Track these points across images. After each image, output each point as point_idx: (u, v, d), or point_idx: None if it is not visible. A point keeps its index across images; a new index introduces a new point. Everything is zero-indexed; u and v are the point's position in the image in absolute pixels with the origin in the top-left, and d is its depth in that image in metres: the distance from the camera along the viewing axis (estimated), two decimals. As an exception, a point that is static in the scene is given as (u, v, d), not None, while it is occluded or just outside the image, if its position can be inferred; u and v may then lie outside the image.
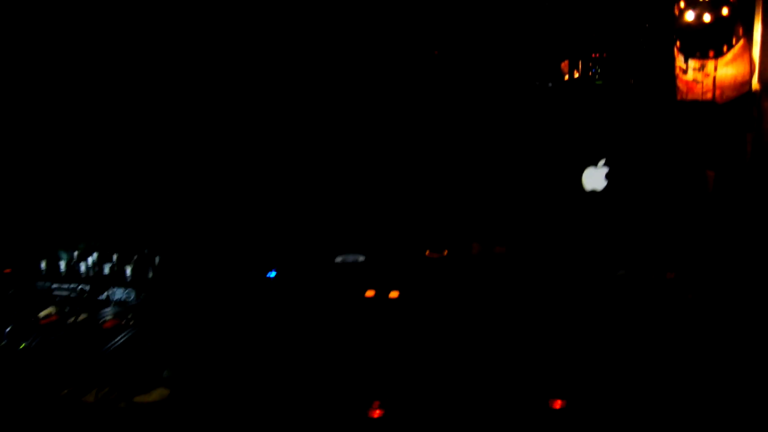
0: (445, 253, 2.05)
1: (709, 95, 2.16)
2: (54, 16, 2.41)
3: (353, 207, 2.29)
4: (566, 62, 2.37)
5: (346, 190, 2.34)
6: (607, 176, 1.86)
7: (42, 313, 1.87)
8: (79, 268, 1.98)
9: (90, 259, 2.04)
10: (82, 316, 1.80)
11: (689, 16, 2.08)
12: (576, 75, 2.36)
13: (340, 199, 2.33)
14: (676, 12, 2.13)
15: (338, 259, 2.01)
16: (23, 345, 1.73)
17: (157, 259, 2.01)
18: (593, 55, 2.35)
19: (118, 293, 1.86)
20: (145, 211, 2.33)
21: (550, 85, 2.34)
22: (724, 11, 2.07)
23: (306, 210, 2.30)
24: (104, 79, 2.46)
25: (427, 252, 2.06)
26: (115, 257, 2.05)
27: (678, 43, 2.16)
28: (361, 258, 2.01)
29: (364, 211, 2.28)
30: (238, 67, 2.45)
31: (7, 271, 2.10)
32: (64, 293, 1.93)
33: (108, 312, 1.79)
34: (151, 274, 1.89)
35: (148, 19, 2.43)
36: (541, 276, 1.78)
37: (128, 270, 1.90)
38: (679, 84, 2.20)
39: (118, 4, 2.41)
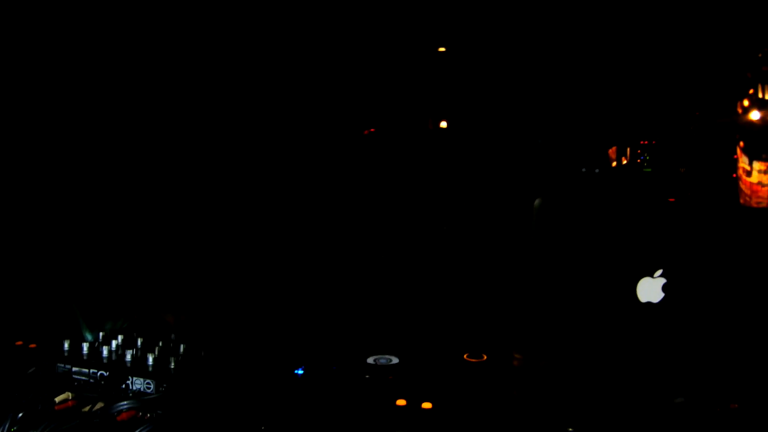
0: (485, 357, 1.92)
1: (776, 200, 2.03)
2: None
3: (390, 302, 2.19)
4: (614, 148, 2.29)
5: (385, 284, 2.25)
6: (665, 288, 1.72)
7: (58, 398, 1.78)
8: (101, 351, 1.91)
9: (114, 343, 1.96)
10: (98, 405, 1.71)
11: (754, 115, 1.98)
12: (624, 162, 2.26)
13: (378, 292, 2.23)
14: (739, 110, 2.03)
15: (370, 360, 1.89)
16: (33, 434, 1.65)
17: (181, 348, 1.92)
18: (642, 141, 2.27)
19: (138, 383, 1.77)
20: (175, 294, 2.26)
21: (597, 171, 2.25)
22: (793, 111, 1.96)
23: (341, 303, 2.20)
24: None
25: (466, 356, 1.94)
26: (139, 342, 1.98)
27: (741, 144, 2.05)
28: (395, 360, 1.90)
29: (401, 307, 2.18)
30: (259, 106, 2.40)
31: (32, 346, 2.05)
32: (83, 378, 1.85)
33: (125, 403, 1.69)
34: (173, 365, 1.79)
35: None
36: (589, 398, 1.63)
37: (150, 358, 1.81)
38: (742, 186, 2.09)
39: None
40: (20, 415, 1.68)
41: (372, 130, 2.40)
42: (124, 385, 1.79)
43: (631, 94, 2.31)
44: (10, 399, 1.77)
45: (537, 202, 1.81)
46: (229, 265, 2.28)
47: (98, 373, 1.83)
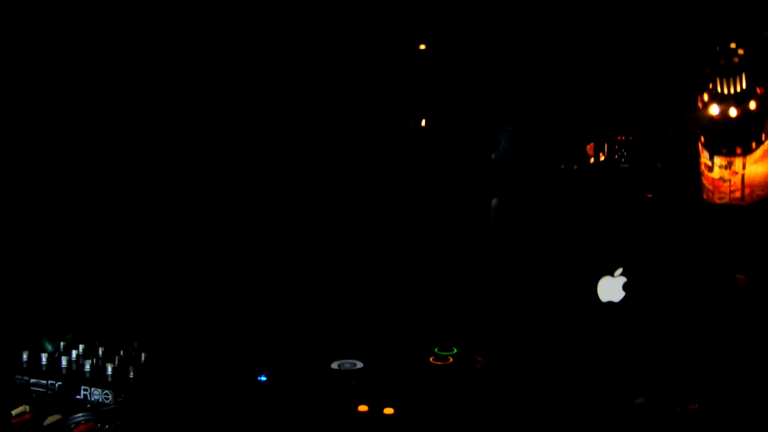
0: (450, 360, 1.91)
1: (737, 194, 2.03)
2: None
3: (356, 305, 2.17)
4: (592, 144, 2.28)
5: (351, 287, 2.22)
6: (625, 287, 1.71)
7: (15, 411, 1.74)
8: (61, 361, 1.87)
9: (74, 353, 1.93)
10: (54, 418, 1.67)
11: (714, 110, 1.97)
12: (601, 158, 2.26)
13: (343, 296, 2.21)
14: (700, 105, 2.02)
15: (334, 365, 1.87)
16: (-14, 449, 1.61)
17: (142, 357, 1.89)
18: (619, 137, 2.26)
19: (96, 394, 1.74)
20: (138, 300, 2.23)
21: (575, 167, 2.24)
22: (752, 105, 1.96)
23: (305, 307, 2.18)
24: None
25: (431, 359, 1.92)
26: (101, 351, 1.94)
27: (702, 139, 2.04)
28: (360, 364, 1.88)
29: (367, 310, 2.16)
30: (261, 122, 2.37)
31: (-8, 357, 2.00)
32: (41, 390, 1.81)
33: (81, 416, 1.66)
34: (132, 375, 1.76)
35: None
36: (550, 398, 1.62)
37: (109, 368, 1.78)
38: (705, 182, 2.08)
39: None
40: (-27, 429, 1.64)
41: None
42: (81, 396, 1.75)
43: (607, 89, 2.30)
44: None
45: (494, 201, 1.79)
46: (189, 272, 2.25)
47: (57, 384, 1.79)
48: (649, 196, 2.17)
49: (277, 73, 2.41)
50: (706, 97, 1.98)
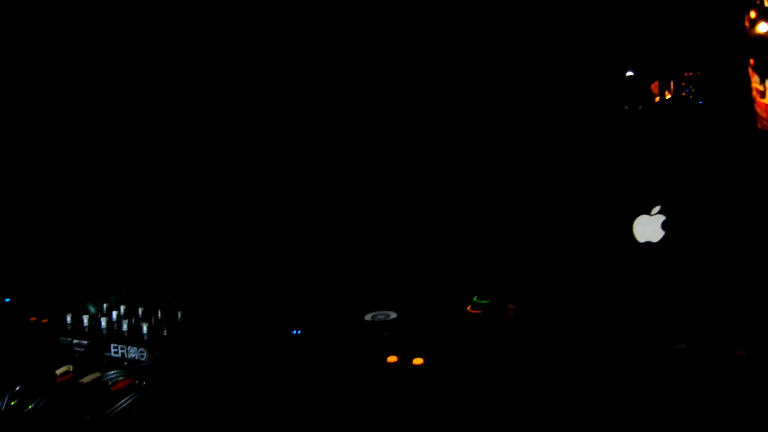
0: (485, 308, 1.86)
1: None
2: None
3: (391, 255, 2.13)
4: (656, 83, 2.14)
5: (386, 237, 2.18)
6: (665, 226, 1.61)
7: (59, 371, 1.79)
8: (101, 323, 1.91)
9: (114, 313, 1.97)
10: (93, 376, 1.71)
11: (762, 28, 1.81)
12: (668, 96, 2.12)
13: (378, 246, 2.17)
14: (747, 23, 1.86)
15: (368, 317, 1.85)
16: (31, 406, 1.66)
17: (179, 315, 1.91)
18: (686, 73, 2.11)
19: (132, 352, 1.77)
20: (176, 262, 2.25)
21: (640, 108, 2.11)
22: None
23: (337, 258, 2.15)
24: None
25: (468, 308, 1.87)
26: (140, 311, 1.98)
27: (752, 61, 1.88)
28: (393, 315, 1.85)
29: (402, 260, 2.12)
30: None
31: (45, 321, 2.07)
32: (82, 350, 1.86)
33: (116, 373, 1.69)
34: (166, 332, 1.78)
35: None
36: (587, 345, 1.55)
37: (145, 327, 1.81)
38: (758, 109, 1.92)
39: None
40: (17, 387, 1.69)
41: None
42: (120, 354, 1.79)
43: (670, 20, 2.14)
44: (13, 373, 1.79)
45: None
46: (223, 226, 2.26)
47: (95, 343, 1.83)
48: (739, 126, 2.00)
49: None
50: (753, 14, 1.81)
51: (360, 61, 2.29)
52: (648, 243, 1.61)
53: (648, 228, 1.61)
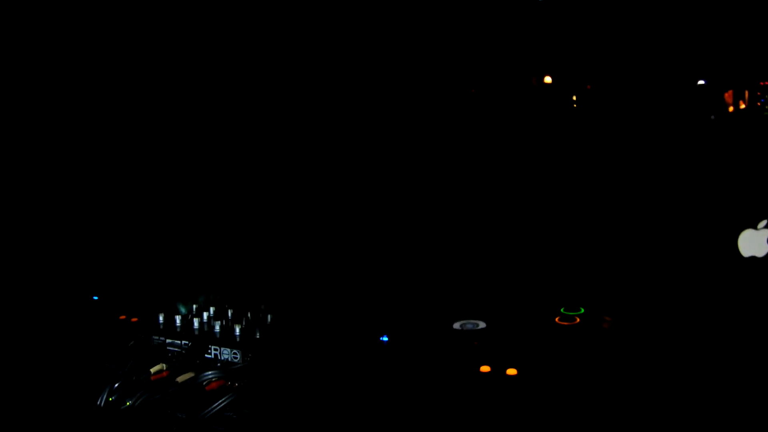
0: (578, 321, 1.83)
1: None
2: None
3: (480, 264, 2.11)
4: (731, 92, 2.09)
5: (475, 245, 2.17)
6: (772, 241, 1.56)
7: (153, 369, 1.84)
8: (193, 323, 1.95)
9: (205, 315, 2.01)
10: (187, 375, 1.75)
11: None
12: (742, 106, 2.06)
13: (467, 254, 2.16)
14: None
15: (456, 325, 1.84)
16: (128, 403, 1.71)
17: (269, 318, 1.94)
18: (762, 83, 2.05)
19: (225, 353, 1.80)
20: (266, 266, 2.28)
21: (712, 117, 2.06)
22: None
23: (427, 265, 2.15)
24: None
25: (557, 319, 1.85)
26: (230, 313, 2.01)
27: None
28: (482, 324, 1.83)
29: (491, 269, 2.10)
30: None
31: (134, 320, 2.12)
32: (176, 349, 1.90)
33: (212, 373, 1.72)
34: (258, 335, 1.81)
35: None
36: (684, 362, 1.51)
37: (237, 329, 1.84)
38: None
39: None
40: (116, 384, 1.74)
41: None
42: (212, 355, 1.82)
43: (747, 27, 2.09)
44: (109, 370, 1.85)
45: None
46: (314, 236, 2.28)
47: (189, 344, 1.87)
48: None
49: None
50: None
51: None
52: (753, 257, 1.57)
53: (754, 242, 1.56)
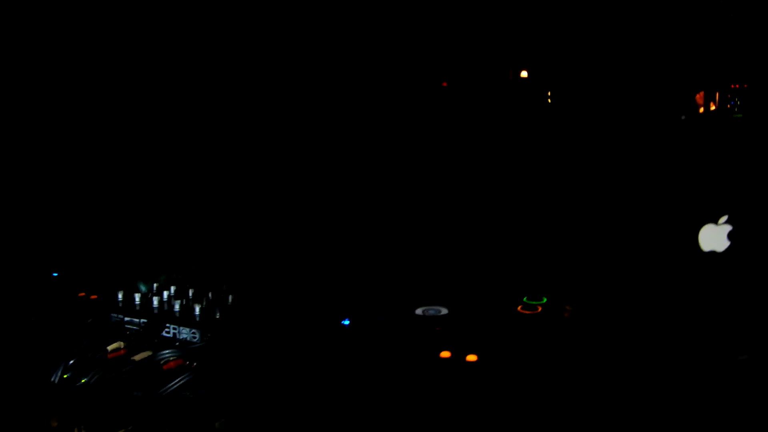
0: (539, 309, 1.84)
1: None
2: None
3: (443, 250, 2.12)
4: (701, 93, 2.11)
5: (439, 231, 2.17)
6: (731, 236, 1.58)
7: (110, 347, 1.81)
8: (152, 302, 1.92)
9: (165, 294, 1.98)
10: (145, 354, 1.72)
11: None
12: (712, 107, 2.09)
13: (431, 241, 2.16)
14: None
15: (419, 311, 1.84)
16: (84, 380, 1.68)
17: (230, 299, 1.92)
18: (733, 85, 2.08)
19: (184, 333, 1.78)
20: (228, 247, 2.26)
21: (683, 118, 2.09)
22: None
23: (390, 251, 2.15)
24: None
25: (519, 308, 1.86)
26: (191, 293, 1.99)
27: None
28: (444, 311, 1.84)
29: (454, 256, 2.11)
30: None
31: (93, 297, 2.09)
32: (135, 328, 1.87)
33: (170, 352, 1.70)
34: (218, 315, 1.79)
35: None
36: (644, 354, 1.53)
37: (197, 308, 1.82)
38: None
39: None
40: (71, 362, 1.71)
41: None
42: (171, 334, 1.80)
43: (720, 33, 2.12)
44: (66, 347, 1.81)
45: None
46: (276, 217, 2.26)
47: (146, 322, 1.84)
48: None
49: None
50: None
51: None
52: (713, 252, 1.59)
53: (714, 237, 1.58)
